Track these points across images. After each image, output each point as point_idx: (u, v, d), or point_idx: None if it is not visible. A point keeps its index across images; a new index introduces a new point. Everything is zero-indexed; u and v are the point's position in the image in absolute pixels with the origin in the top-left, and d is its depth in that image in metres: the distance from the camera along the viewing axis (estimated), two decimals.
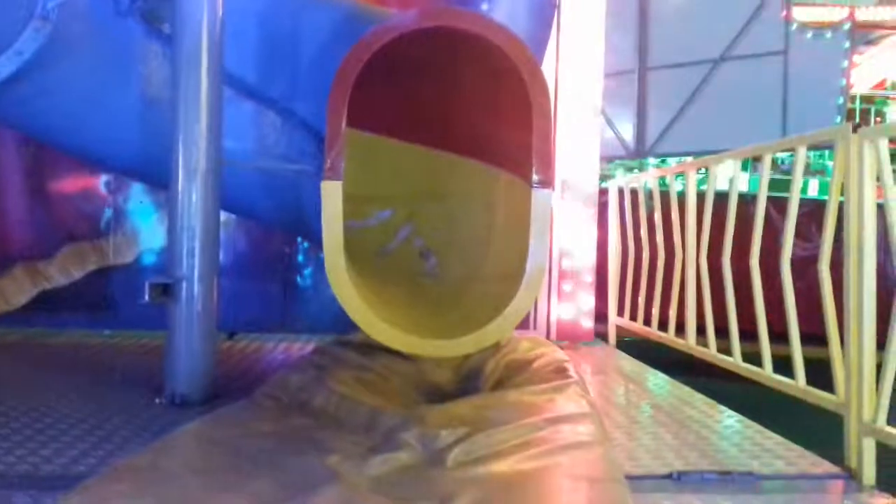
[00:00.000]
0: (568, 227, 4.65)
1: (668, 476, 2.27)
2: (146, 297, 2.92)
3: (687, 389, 3.48)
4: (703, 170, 4.14)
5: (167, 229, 3.11)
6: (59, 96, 3.34)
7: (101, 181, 4.67)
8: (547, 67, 4.36)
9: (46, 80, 3.23)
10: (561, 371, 2.83)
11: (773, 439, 2.67)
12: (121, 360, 3.85)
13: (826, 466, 2.39)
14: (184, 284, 2.99)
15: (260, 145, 3.64)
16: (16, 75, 3.06)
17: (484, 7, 3.89)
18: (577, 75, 4.68)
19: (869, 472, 2.34)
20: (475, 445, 2.01)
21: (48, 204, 4.68)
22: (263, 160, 3.62)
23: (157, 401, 2.98)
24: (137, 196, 4.67)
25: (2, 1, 3.00)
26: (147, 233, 4.68)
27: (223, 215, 3.39)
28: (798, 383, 2.81)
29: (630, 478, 2.01)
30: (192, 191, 2.99)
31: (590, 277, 4.69)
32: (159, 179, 3.31)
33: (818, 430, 2.79)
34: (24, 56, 3.03)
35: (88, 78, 3.33)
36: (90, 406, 2.87)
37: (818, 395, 2.68)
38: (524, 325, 4.19)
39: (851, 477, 2.35)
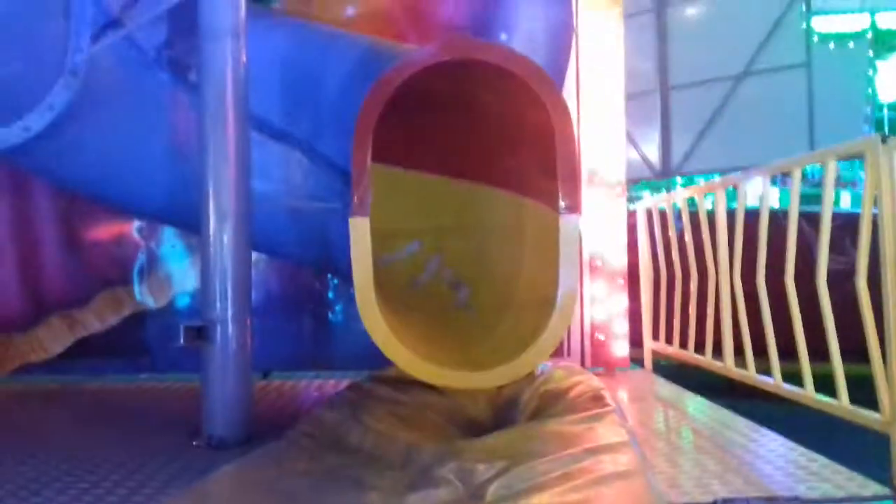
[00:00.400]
0: (598, 249, 4.62)
1: (713, 503, 2.22)
2: (181, 341, 2.95)
3: (727, 413, 3.41)
4: (732, 188, 4.10)
5: (200, 272, 3.14)
6: (89, 147, 3.42)
7: (133, 227, 4.74)
8: (568, 92, 4.37)
9: (77, 133, 3.31)
10: (598, 399, 2.79)
11: (818, 462, 2.61)
12: (157, 404, 3.88)
13: (874, 488, 2.32)
14: (218, 326, 3.01)
15: (287, 185, 3.68)
16: (48, 129, 3.14)
17: (503, 37, 3.92)
18: (599, 98, 4.67)
19: None
20: (514, 479, 1.99)
21: (82, 252, 4.75)
22: (291, 200, 3.66)
23: (194, 444, 2.99)
24: (169, 240, 4.73)
25: (32, 57, 3.09)
26: (180, 276, 4.73)
27: (253, 255, 3.42)
28: (841, 403, 2.74)
29: None
30: (223, 234, 3.03)
31: (623, 302, 4.64)
32: (190, 223, 3.36)
33: (865, 449, 2.72)
34: (56, 110, 3.12)
35: (118, 128, 3.41)
36: (129, 451, 2.88)
37: (862, 416, 2.61)
38: (558, 352, 4.15)
39: None
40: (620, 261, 4.63)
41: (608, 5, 4.66)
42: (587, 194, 4.54)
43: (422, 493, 1.92)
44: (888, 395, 2.45)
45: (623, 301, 4.64)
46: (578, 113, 4.58)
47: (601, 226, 4.61)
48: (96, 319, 4.63)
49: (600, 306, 4.60)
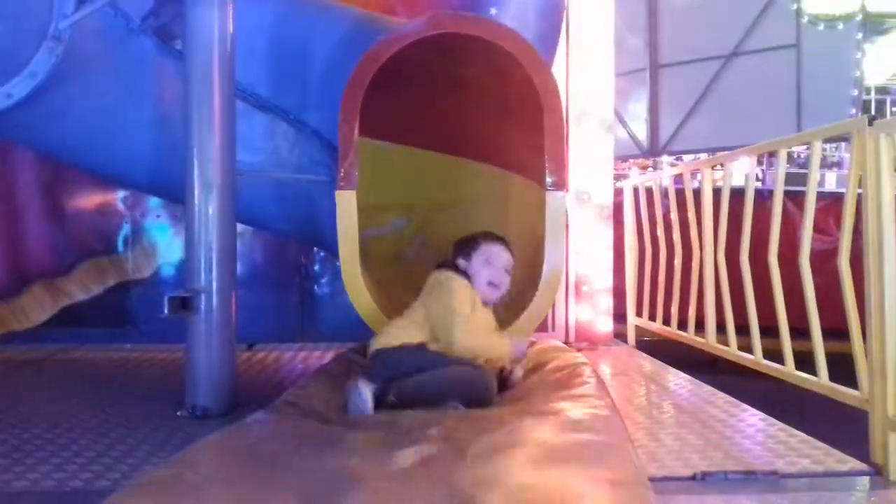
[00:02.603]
0: (584, 228, 4.63)
1: (692, 477, 2.25)
2: (165, 311, 2.94)
3: (708, 388, 3.45)
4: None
5: (184, 243, 3.13)
6: (73, 115, 3.38)
7: (118, 197, 4.71)
8: (557, 69, 4.36)
9: (60, 100, 3.26)
10: (581, 374, 2.81)
11: (797, 437, 2.64)
12: (142, 374, 3.88)
13: (852, 463, 2.36)
14: (202, 297, 3.00)
15: (273, 157, 3.66)
16: (30, 96, 3.10)
17: (492, 12, 3.89)
18: (588, 76, 4.67)
19: (895, 468, 2.31)
20: (496, 442, 2.00)
21: (66, 221, 4.72)
22: (277, 171, 3.64)
23: (178, 414, 2.99)
24: (154, 210, 4.71)
25: (14, 23, 3.04)
26: (164, 247, 4.71)
27: (239, 227, 3.41)
28: (821, 380, 2.78)
29: (653, 479, 2.00)
30: (208, 204, 3.01)
31: (607, 278, 4.67)
32: (175, 194, 3.34)
33: (844, 424, 2.76)
34: (38, 77, 3.08)
35: (102, 96, 3.37)
36: (112, 421, 2.89)
37: (842, 392, 2.65)
38: (542, 328, 4.17)
39: (878, 473, 2.32)
40: (607, 234, 4.69)
41: None
42: (574, 135, 4.58)
43: (405, 451, 1.92)
44: (867, 372, 2.48)
45: (608, 277, 4.67)
46: (567, 90, 4.57)
47: (587, 209, 4.64)
48: (80, 289, 4.61)
49: (585, 281, 4.62)
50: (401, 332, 2.73)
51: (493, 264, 2.89)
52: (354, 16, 3.83)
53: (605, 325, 4.68)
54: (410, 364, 2.58)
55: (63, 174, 4.59)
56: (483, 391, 2.58)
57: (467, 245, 2.94)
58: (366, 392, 2.44)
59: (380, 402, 2.48)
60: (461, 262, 2.90)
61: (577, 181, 4.58)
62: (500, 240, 2.97)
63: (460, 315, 2.69)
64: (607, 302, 4.66)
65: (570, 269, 4.57)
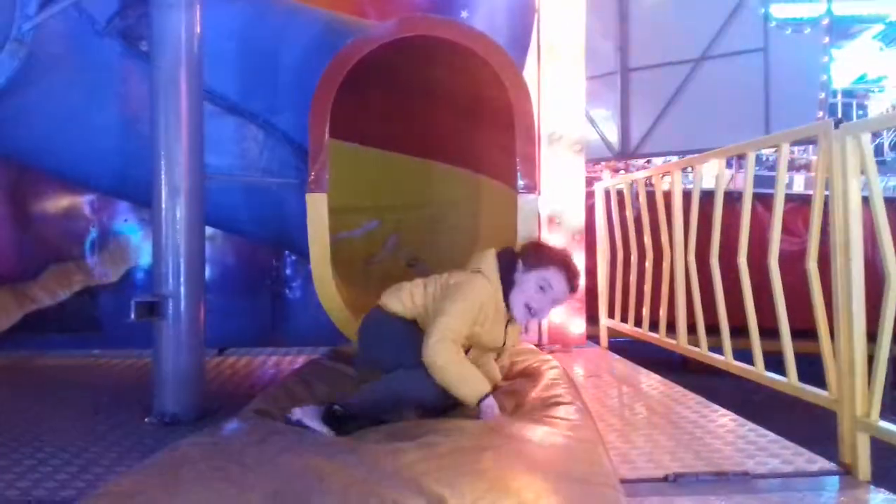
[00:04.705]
0: (556, 230, 4.63)
1: (664, 479, 2.26)
2: (132, 316, 2.90)
3: (680, 389, 3.47)
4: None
5: (152, 247, 3.08)
6: (37, 117, 3.33)
7: (84, 201, 4.64)
8: (528, 72, 4.37)
9: (24, 102, 3.22)
10: (550, 376, 2.81)
11: (767, 437, 2.66)
12: (109, 380, 3.81)
13: (821, 463, 2.38)
14: (170, 302, 2.96)
15: (243, 160, 3.63)
16: None
17: (463, 15, 3.89)
18: (559, 79, 4.68)
19: (864, 468, 2.33)
20: (468, 443, 1.99)
21: (31, 225, 4.64)
22: (246, 174, 3.60)
23: (146, 420, 2.94)
24: (122, 214, 4.64)
25: None
26: (133, 250, 4.64)
27: (208, 230, 3.37)
28: (790, 380, 2.80)
29: (625, 481, 2.00)
30: (175, 208, 2.97)
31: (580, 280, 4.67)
32: (142, 197, 3.29)
33: (814, 421, 2.79)
34: (0, 80, 3.02)
35: (66, 98, 3.32)
36: (78, 428, 2.83)
37: (811, 393, 2.67)
38: None
39: (847, 473, 2.34)
40: (578, 220, 4.70)
41: None
42: (546, 155, 4.58)
43: (373, 452, 1.90)
44: (835, 372, 2.51)
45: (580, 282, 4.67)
46: (538, 92, 4.58)
47: (560, 185, 4.66)
48: (46, 294, 4.54)
49: None
50: (406, 298, 2.63)
51: (545, 293, 2.55)
52: (324, 18, 3.81)
53: (578, 327, 4.69)
54: (389, 364, 2.49)
55: (28, 177, 4.52)
56: (434, 399, 2.40)
57: (538, 258, 2.61)
58: (307, 421, 2.29)
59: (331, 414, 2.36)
60: (519, 267, 2.57)
61: (548, 203, 4.58)
62: (571, 274, 2.61)
63: (452, 330, 2.42)
64: (580, 304, 4.67)
65: None
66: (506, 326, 2.63)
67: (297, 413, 2.32)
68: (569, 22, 4.69)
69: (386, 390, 2.43)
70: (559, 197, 4.65)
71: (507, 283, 2.57)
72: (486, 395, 2.36)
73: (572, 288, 2.62)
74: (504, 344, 2.67)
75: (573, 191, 4.69)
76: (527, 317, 2.58)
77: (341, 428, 2.31)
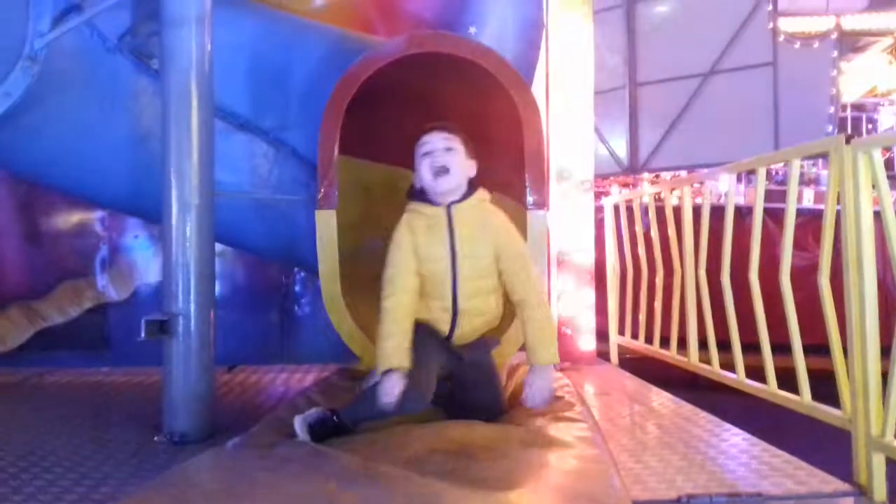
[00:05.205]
0: (566, 245, 4.62)
1: (677, 500, 2.23)
2: (142, 334, 2.89)
3: (691, 408, 3.44)
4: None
5: (162, 265, 3.08)
6: (49, 135, 3.34)
7: (95, 218, 4.65)
8: (537, 88, 4.37)
9: (36, 120, 3.23)
10: (561, 394, 2.79)
11: (781, 457, 2.63)
12: (119, 398, 3.81)
13: (836, 484, 2.35)
14: (180, 320, 2.96)
15: (252, 176, 3.63)
16: (5, 116, 3.06)
17: (472, 30, 3.90)
18: (568, 94, 4.67)
19: (879, 489, 2.30)
20: (475, 469, 1.98)
21: (43, 242, 4.65)
22: (256, 191, 3.61)
23: (155, 439, 2.94)
24: (132, 231, 4.65)
25: None
26: (143, 267, 4.65)
27: (218, 247, 3.37)
28: (804, 399, 2.78)
29: (637, 503, 1.98)
30: (185, 225, 2.97)
31: (590, 296, 4.66)
32: (152, 214, 3.30)
33: (827, 440, 2.76)
34: (13, 97, 3.04)
35: (78, 116, 3.34)
36: (88, 447, 2.82)
37: (824, 412, 2.64)
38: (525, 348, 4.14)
39: (862, 494, 2.31)
40: (588, 258, 4.64)
41: (578, 2, 4.66)
42: (555, 191, 4.55)
43: (383, 472, 1.89)
44: (849, 392, 2.48)
45: (590, 296, 4.65)
46: (547, 109, 4.58)
47: (569, 222, 4.61)
48: (56, 311, 4.54)
49: (567, 301, 4.61)
50: None
51: (430, 153, 2.55)
52: (334, 35, 3.82)
53: (588, 344, 4.66)
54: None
55: (39, 195, 4.53)
56: (413, 405, 2.40)
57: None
58: (301, 432, 2.35)
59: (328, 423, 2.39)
60: (414, 180, 2.62)
61: (556, 243, 4.56)
62: (437, 127, 2.63)
63: (384, 285, 2.47)
64: (589, 320, 4.65)
65: (552, 286, 4.56)
66: (453, 248, 2.51)
67: (297, 421, 2.35)
68: (577, 36, 4.69)
69: (364, 400, 2.46)
70: (568, 236, 4.61)
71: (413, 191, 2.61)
72: (389, 371, 2.36)
73: (447, 129, 2.62)
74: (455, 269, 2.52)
75: (582, 230, 4.64)
76: (444, 179, 2.53)
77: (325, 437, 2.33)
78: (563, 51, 4.66)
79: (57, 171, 3.56)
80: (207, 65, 3.01)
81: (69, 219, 4.68)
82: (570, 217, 4.60)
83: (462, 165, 2.58)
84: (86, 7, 3.16)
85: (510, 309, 2.74)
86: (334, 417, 2.40)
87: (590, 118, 4.71)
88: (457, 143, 2.59)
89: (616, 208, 4.98)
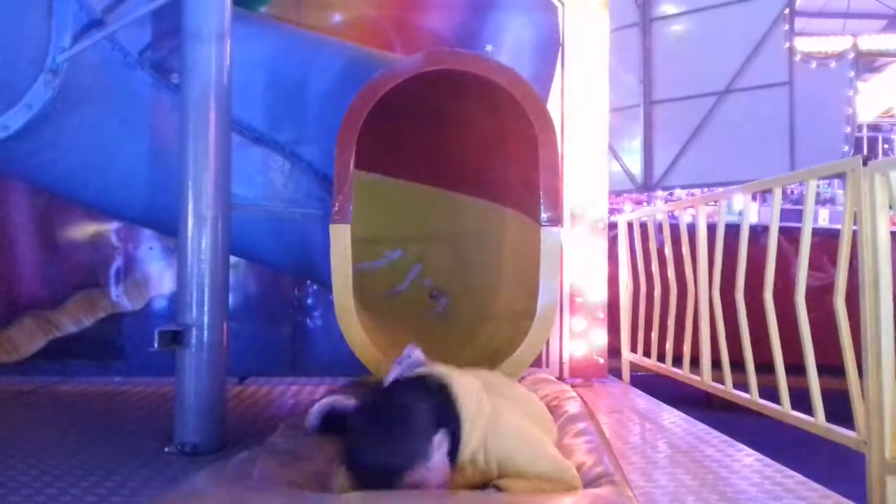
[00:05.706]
0: (578, 263, 4.61)
1: None
2: (155, 345, 2.91)
3: (703, 427, 3.41)
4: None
5: (176, 276, 3.10)
6: (68, 148, 3.38)
7: (110, 229, 4.68)
8: (552, 105, 4.38)
9: (56, 132, 3.26)
10: (570, 410, 2.77)
11: (794, 478, 2.61)
12: (131, 408, 3.82)
13: None
14: (193, 331, 2.97)
15: (268, 190, 3.65)
16: (25, 128, 3.09)
17: (488, 48, 3.92)
18: (583, 111, 4.67)
19: None
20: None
21: (58, 252, 4.69)
22: (271, 204, 3.63)
23: (166, 450, 2.94)
24: (147, 242, 4.67)
25: (11, 56, 3.04)
26: (157, 279, 4.67)
27: (232, 259, 3.39)
28: (818, 420, 2.75)
29: None
30: (201, 237, 2.99)
31: (602, 314, 4.64)
32: (168, 226, 3.32)
33: (840, 460, 2.74)
34: (34, 109, 3.07)
35: (98, 129, 3.37)
36: (99, 457, 2.84)
37: (838, 433, 2.62)
38: (536, 363, 4.13)
39: None
40: (600, 295, 4.64)
41: (595, 20, 4.67)
42: (569, 205, 4.55)
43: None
44: (863, 413, 2.46)
45: (602, 312, 4.64)
46: (562, 126, 4.58)
47: (582, 255, 4.62)
48: (70, 321, 4.57)
49: (579, 318, 4.60)
50: None
51: None
52: (351, 51, 3.86)
53: (600, 360, 4.64)
54: None
55: (56, 206, 4.56)
56: None
57: None
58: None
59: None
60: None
61: (568, 280, 4.55)
62: None
63: None
64: (601, 337, 4.63)
65: (564, 303, 4.55)
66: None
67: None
68: (593, 53, 4.69)
69: None
70: (580, 274, 4.60)
71: None
72: None
73: None
74: None
75: (594, 269, 4.63)
76: None
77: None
78: (578, 67, 4.66)
79: (76, 183, 3.60)
80: (226, 79, 3.05)
81: (85, 229, 4.72)
82: (581, 257, 4.62)
83: None
84: (108, 22, 3.20)
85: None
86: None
87: (604, 136, 4.71)
88: None
89: (630, 225, 4.97)
